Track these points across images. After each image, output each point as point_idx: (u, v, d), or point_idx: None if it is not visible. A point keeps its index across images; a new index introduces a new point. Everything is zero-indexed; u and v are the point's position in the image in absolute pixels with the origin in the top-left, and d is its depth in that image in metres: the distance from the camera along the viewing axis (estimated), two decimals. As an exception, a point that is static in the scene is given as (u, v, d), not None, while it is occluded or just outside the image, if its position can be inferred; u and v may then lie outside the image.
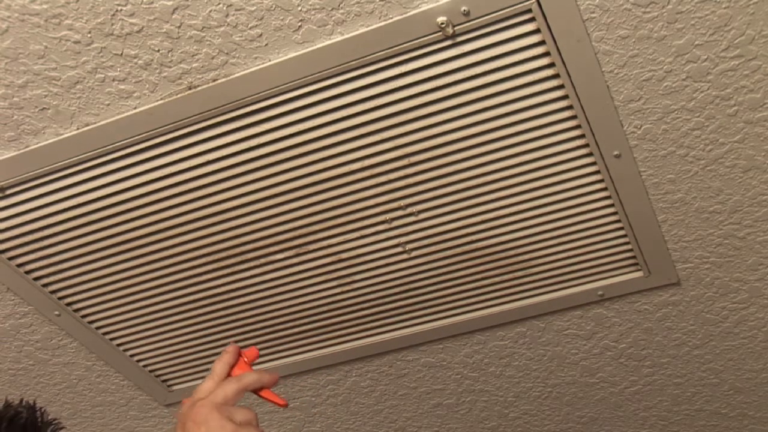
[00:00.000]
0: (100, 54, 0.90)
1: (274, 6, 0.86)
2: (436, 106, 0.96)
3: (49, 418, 0.86)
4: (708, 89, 0.94)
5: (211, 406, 0.80)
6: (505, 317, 1.24)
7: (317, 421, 1.49)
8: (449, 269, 1.17)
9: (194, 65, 0.92)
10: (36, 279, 1.17)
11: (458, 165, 1.03)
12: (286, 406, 0.89)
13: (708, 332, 1.28)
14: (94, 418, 1.45)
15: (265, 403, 0.91)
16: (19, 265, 1.15)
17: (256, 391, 0.87)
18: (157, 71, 0.92)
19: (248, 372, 0.86)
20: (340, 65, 0.91)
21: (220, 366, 0.85)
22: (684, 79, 0.93)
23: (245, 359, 0.88)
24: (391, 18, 0.87)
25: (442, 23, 0.87)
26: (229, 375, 0.86)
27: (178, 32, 0.88)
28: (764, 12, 0.87)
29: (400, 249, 1.13)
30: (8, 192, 1.05)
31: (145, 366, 1.33)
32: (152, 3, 0.85)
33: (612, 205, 1.07)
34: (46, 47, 0.88)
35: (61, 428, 0.86)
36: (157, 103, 0.95)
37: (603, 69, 0.92)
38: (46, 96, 0.94)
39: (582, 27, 0.88)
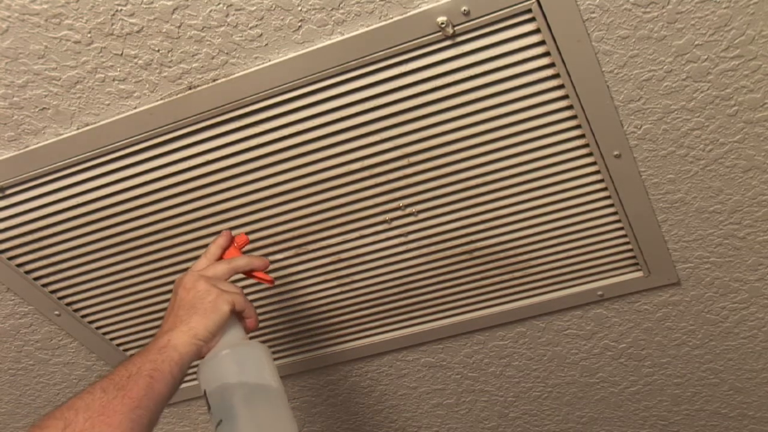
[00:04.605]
0: (100, 54, 0.90)
1: (274, 6, 0.86)
2: (436, 106, 0.96)
3: None
4: (708, 89, 0.94)
5: (199, 276, 0.90)
6: (505, 317, 1.24)
7: (317, 421, 1.49)
8: (449, 269, 1.17)
9: (194, 65, 0.92)
10: (36, 279, 1.17)
11: (458, 165, 1.03)
12: (272, 283, 0.99)
13: (708, 332, 1.28)
14: (94, 418, 1.45)
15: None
16: (19, 265, 1.15)
17: (246, 273, 0.97)
18: (157, 71, 0.92)
19: (241, 256, 0.96)
20: (340, 65, 0.91)
21: (213, 247, 0.96)
22: (684, 79, 0.93)
23: (236, 245, 0.98)
24: (391, 18, 0.87)
25: (442, 23, 0.87)
26: (221, 257, 0.96)
27: (178, 32, 0.88)
28: (764, 12, 0.87)
29: (401, 239, 1.13)
30: (8, 192, 1.05)
31: (145, 366, 1.32)
32: (152, 3, 0.85)
33: (612, 205, 1.07)
34: (46, 47, 0.88)
35: None
36: (157, 103, 0.95)
37: (603, 69, 0.92)
38: (46, 96, 0.94)
39: (582, 27, 0.88)
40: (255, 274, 0.96)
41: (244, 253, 0.98)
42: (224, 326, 0.88)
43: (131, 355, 0.83)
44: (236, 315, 0.91)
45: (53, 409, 0.77)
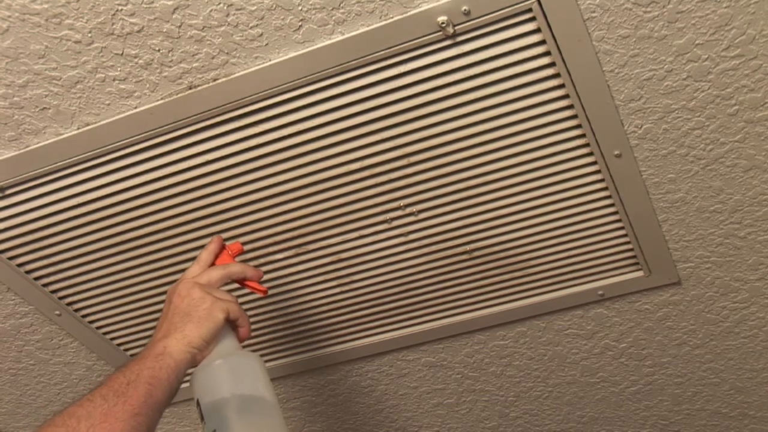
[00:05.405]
0: (101, 54, 0.90)
1: (274, 6, 0.86)
2: (436, 106, 0.96)
3: None
4: (709, 89, 0.94)
5: (193, 283, 0.89)
6: (506, 317, 1.24)
7: (317, 421, 1.49)
8: (449, 269, 1.17)
9: (194, 65, 0.92)
10: (36, 279, 1.17)
11: (458, 165, 1.02)
12: (265, 293, 0.98)
13: (708, 332, 1.28)
14: (94, 418, 1.45)
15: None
16: (20, 265, 1.15)
17: (239, 281, 0.96)
18: (158, 71, 0.92)
19: (234, 263, 0.95)
20: (340, 65, 0.91)
21: (205, 254, 0.95)
22: (685, 79, 0.93)
23: (229, 252, 0.97)
24: (392, 17, 0.87)
25: (443, 23, 0.87)
26: (213, 263, 0.95)
27: (179, 32, 0.88)
28: (765, 11, 0.87)
29: (401, 239, 1.13)
30: (8, 192, 1.05)
31: (145, 366, 1.32)
32: (152, 3, 0.85)
33: (612, 205, 1.07)
34: (46, 47, 0.88)
35: None
36: (157, 103, 0.95)
37: (603, 68, 0.92)
38: (46, 96, 0.94)
39: (583, 26, 0.88)
40: (248, 283, 0.95)
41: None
42: (218, 335, 0.87)
43: (127, 362, 0.83)
44: (230, 324, 0.90)
45: (52, 415, 0.76)
